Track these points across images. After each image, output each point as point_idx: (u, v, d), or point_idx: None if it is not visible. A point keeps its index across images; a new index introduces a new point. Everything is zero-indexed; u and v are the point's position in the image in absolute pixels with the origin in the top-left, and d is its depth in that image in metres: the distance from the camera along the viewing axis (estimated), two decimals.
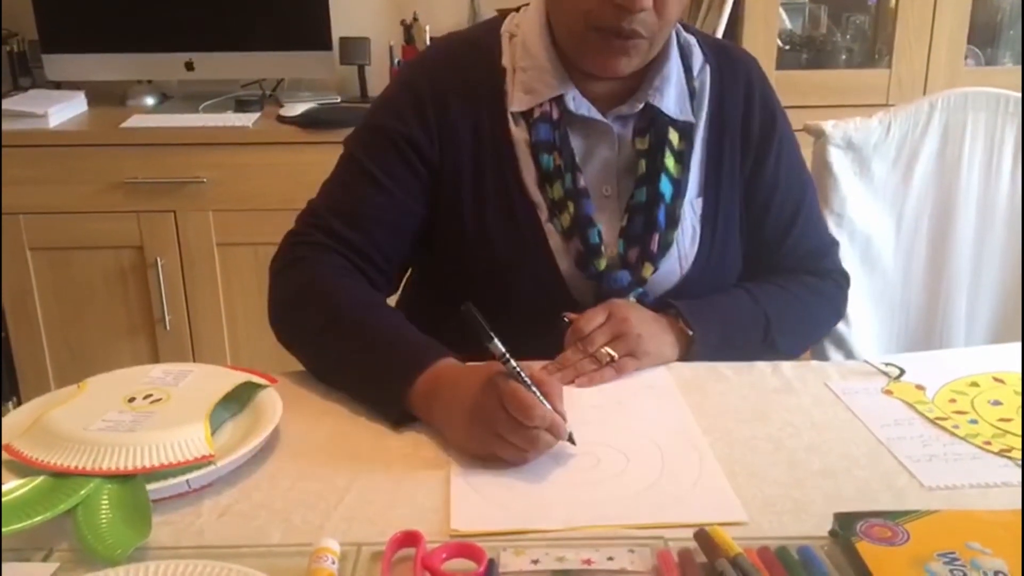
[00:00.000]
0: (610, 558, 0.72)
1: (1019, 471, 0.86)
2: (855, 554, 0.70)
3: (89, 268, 2.28)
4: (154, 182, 2.21)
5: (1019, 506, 0.79)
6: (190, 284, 2.29)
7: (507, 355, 0.87)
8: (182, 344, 2.33)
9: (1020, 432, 0.92)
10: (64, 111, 2.31)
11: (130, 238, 2.25)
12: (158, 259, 2.25)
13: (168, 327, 2.31)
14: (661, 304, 1.14)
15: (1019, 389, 1.00)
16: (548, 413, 0.85)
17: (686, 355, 1.11)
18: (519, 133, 1.16)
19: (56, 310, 2.31)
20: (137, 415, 0.87)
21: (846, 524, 0.74)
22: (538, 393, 0.86)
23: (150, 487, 0.80)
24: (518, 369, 0.87)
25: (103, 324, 2.33)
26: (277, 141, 2.21)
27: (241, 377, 0.95)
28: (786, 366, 1.08)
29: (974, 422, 0.95)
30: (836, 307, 1.28)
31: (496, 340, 0.87)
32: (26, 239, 2.24)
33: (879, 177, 1.44)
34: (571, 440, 0.88)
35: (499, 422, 0.85)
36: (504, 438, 0.85)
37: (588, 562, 0.72)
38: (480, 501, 0.81)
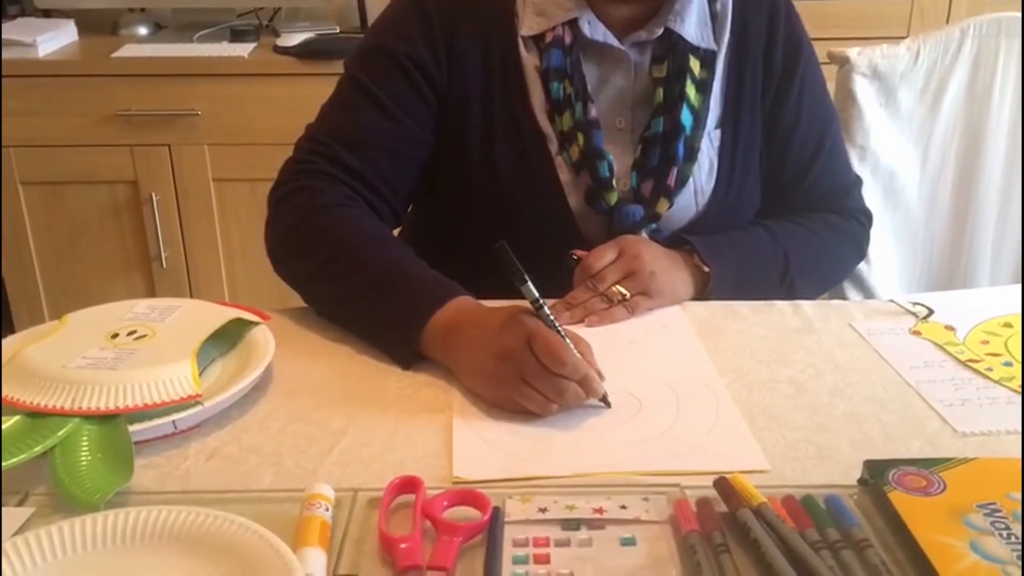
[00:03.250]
0: (623, 507, 0.68)
1: None
2: (887, 504, 0.66)
3: (83, 203, 2.22)
4: (147, 114, 2.13)
5: None
6: (186, 220, 2.23)
7: (540, 300, 0.80)
8: (179, 282, 2.28)
9: None
10: (54, 40, 2.22)
11: (124, 172, 2.19)
12: (153, 194, 2.19)
13: (164, 264, 2.25)
14: (675, 240, 1.08)
15: None
16: (581, 364, 0.79)
17: (701, 294, 1.05)
18: (530, 59, 1.09)
19: (49, 246, 2.26)
20: (120, 352, 0.82)
21: (877, 472, 0.69)
22: (570, 343, 0.80)
23: (133, 428, 0.75)
24: (551, 316, 0.81)
25: (98, 261, 2.28)
26: (274, 72, 2.13)
27: (231, 313, 0.90)
28: (807, 305, 1.03)
29: (1008, 364, 0.89)
30: (858, 247, 1.23)
31: (530, 283, 0.80)
32: (17, 173, 2.17)
33: (905, 108, 1.37)
34: (606, 402, 0.81)
35: (526, 365, 0.79)
36: (530, 384, 0.79)
37: (600, 511, 0.67)
38: (484, 446, 0.76)
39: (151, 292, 2.27)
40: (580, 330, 0.96)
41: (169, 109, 2.13)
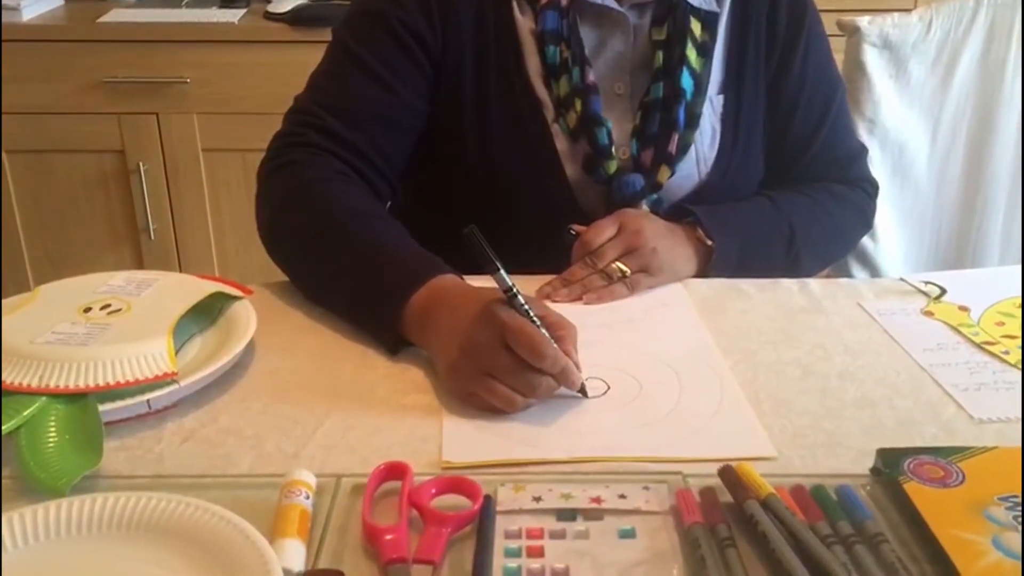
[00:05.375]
0: (622, 496, 0.64)
1: None
2: (903, 495, 0.62)
3: (69, 172, 2.17)
4: (135, 81, 2.08)
5: None
6: (175, 191, 2.18)
7: (515, 288, 0.74)
8: (168, 255, 2.23)
9: None
10: (38, 4, 2.16)
11: (111, 141, 2.14)
12: (140, 164, 2.14)
13: (153, 236, 2.20)
14: (677, 211, 1.04)
15: None
16: (561, 356, 0.73)
17: (704, 269, 1.01)
18: (525, 22, 1.05)
19: (35, 216, 2.21)
20: (92, 327, 0.78)
21: (891, 461, 0.65)
22: (547, 334, 0.75)
23: (104, 408, 0.71)
24: (527, 306, 0.75)
25: (85, 232, 2.23)
26: (264, 39, 2.08)
27: (212, 287, 0.86)
28: (814, 284, 0.99)
29: None
30: (864, 218, 1.19)
31: (503, 271, 0.73)
32: (2, 140, 2.12)
33: (916, 79, 1.33)
34: (583, 392, 0.76)
35: (495, 360, 0.73)
36: (496, 379, 0.73)
37: (597, 501, 0.63)
38: (476, 429, 0.72)
39: (139, 264, 2.23)
40: (578, 308, 0.92)
41: (157, 76, 2.08)
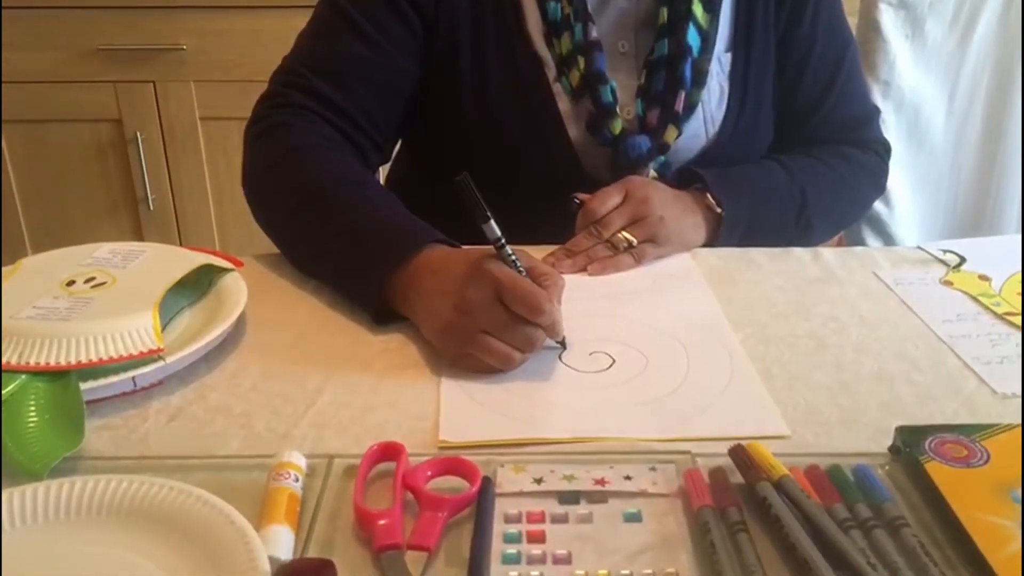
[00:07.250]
0: (627, 477, 0.61)
1: None
2: (924, 476, 0.59)
3: (65, 142, 2.13)
4: (131, 49, 2.03)
5: None
6: (173, 161, 2.14)
7: (503, 240, 0.72)
8: (167, 225, 2.20)
9: None
10: None
11: (107, 110, 2.10)
12: (138, 133, 2.10)
13: (151, 207, 2.17)
14: (684, 175, 1.00)
15: None
16: (554, 309, 0.72)
17: (713, 237, 0.98)
18: None
19: (32, 187, 2.17)
20: (74, 301, 0.74)
21: (911, 440, 0.62)
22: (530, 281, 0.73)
23: (88, 385, 0.68)
24: (513, 257, 0.73)
25: (83, 202, 2.19)
26: (262, 4, 2.03)
27: (201, 259, 0.83)
28: (828, 252, 0.95)
29: None
30: (877, 181, 1.16)
31: (493, 221, 0.71)
32: (1, 111, 2.08)
33: (933, 40, 1.28)
34: (563, 344, 0.75)
35: (490, 316, 0.71)
36: (493, 335, 0.71)
37: (601, 482, 0.60)
38: (475, 407, 0.69)
39: (138, 235, 2.19)
40: (582, 279, 0.90)
41: (153, 44, 2.03)
